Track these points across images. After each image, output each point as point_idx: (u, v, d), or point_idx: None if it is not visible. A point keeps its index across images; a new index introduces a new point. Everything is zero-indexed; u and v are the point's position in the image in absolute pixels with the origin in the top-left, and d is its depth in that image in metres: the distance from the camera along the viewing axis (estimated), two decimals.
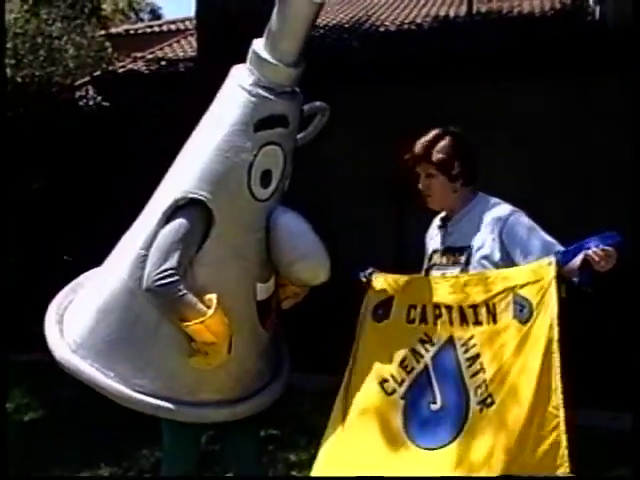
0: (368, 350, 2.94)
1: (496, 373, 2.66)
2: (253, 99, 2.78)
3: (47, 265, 7.67)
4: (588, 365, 5.54)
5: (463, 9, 11.09)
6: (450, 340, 2.79)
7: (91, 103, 9.45)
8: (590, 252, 2.62)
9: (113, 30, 15.36)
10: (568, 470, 2.53)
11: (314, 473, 2.91)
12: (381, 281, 2.98)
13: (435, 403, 2.76)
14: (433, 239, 3.08)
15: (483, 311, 2.74)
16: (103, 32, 12.98)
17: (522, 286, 2.68)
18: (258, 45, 2.84)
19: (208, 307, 2.73)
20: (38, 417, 5.26)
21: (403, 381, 2.85)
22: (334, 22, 11.46)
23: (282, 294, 3.05)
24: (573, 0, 10.10)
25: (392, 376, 2.86)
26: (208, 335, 2.71)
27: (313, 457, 4.50)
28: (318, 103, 2.97)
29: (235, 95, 2.84)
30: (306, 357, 5.32)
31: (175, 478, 3.13)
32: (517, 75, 8.19)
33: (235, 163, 2.78)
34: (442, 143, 2.96)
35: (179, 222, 2.78)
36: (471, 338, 2.74)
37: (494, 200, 2.96)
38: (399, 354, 2.87)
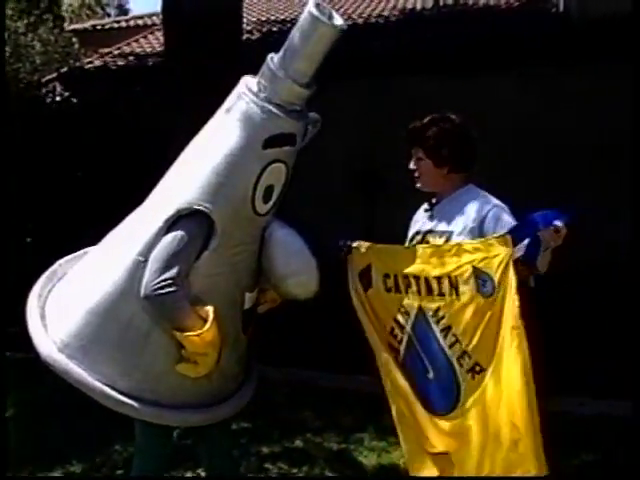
0: (367, 320, 2.98)
1: (477, 344, 2.72)
2: (264, 115, 2.75)
3: (16, 264, 7.61)
4: (563, 355, 5.65)
5: (430, 1, 11.14)
6: (421, 310, 2.86)
7: (58, 99, 9.38)
8: (542, 232, 2.65)
9: (80, 26, 15.24)
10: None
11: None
12: (360, 249, 3.02)
13: (429, 372, 2.85)
14: (417, 222, 3.13)
15: (446, 283, 2.80)
16: (64, 28, 12.85)
17: (480, 260, 2.73)
18: (273, 61, 2.78)
19: (203, 317, 2.73)
20: (10, 415, 5.22)
21: (399, 351, 2.92)
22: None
23: (260, 298, 3.06)
24: None
25: (391, 345, 2.93)
26: (202, 346, 2.72)
27: (286, 449, 4.58)
28: (312, 114, 2.96)
29: (245, 109, 2.79)
30: (279, 351, 5.36)
31: (149, 479, 3.12)
32: (484, 67, 8.26)
33: (242, 178, 2.77)
34: (434, 129, 3.01)
35: (181, 233, 2.75)
36: (438, 310, 2.81)
37: (483, 193, 3.00)
38: (389, 323, 2.94)
